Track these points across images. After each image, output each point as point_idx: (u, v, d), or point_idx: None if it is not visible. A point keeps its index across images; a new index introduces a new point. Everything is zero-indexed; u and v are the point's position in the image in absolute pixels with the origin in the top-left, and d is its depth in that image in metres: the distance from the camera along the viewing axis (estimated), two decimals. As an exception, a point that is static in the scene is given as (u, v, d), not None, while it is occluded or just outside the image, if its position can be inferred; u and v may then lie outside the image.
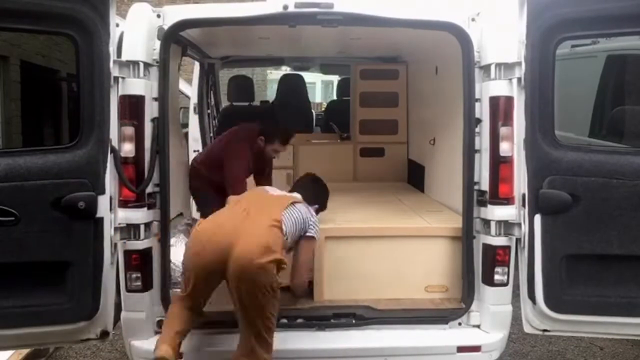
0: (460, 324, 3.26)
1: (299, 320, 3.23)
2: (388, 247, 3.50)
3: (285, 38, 4.47)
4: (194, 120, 6.00)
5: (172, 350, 2.79)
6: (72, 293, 2.79)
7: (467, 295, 3.25)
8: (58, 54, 8.35)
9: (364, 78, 5.65)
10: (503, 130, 3.03)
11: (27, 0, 2.65)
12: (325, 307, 3.37)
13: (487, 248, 3.14)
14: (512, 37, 2.95)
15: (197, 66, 6.04)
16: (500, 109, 3.03)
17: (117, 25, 2.90)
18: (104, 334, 2.94)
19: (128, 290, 3.07)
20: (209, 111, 6.22)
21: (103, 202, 2.80)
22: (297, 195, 3.39)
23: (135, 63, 2.96)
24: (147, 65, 3.01)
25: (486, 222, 3.13)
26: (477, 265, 3.21)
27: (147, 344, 3.10)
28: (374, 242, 3.51)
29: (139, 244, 3.02)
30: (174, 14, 3.11)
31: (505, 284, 3.15)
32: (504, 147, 3.04)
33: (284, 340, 3.14)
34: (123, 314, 3.12)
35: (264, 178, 4.72)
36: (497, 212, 3.08)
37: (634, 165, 2.85)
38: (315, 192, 3.55)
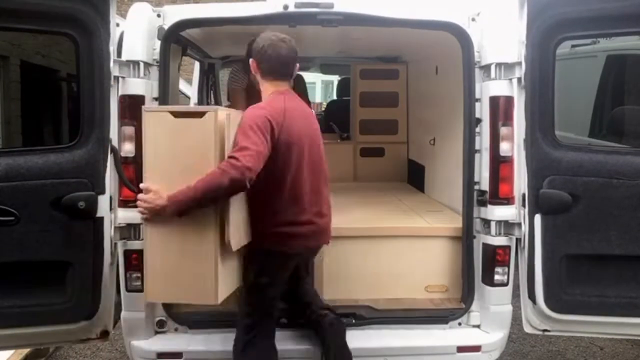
0: (460, 324, 3.27)
1: (302, 320, 3.22)
2: (388, 247, 3.51)
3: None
4: (194, 120, 5.99)
5: None
6: (72, 293, 2.79)
7: (467, 295, 3.25)
8: (58, 54, 8.32)
9: (364, 78, 5.66)
10: (503, 130, 3.04)
11: (27, 0, 2.65)
12: (330, 306, 3.36)
13: (487, 248, 3.14)
14: (512, 37, 2.95)
15: (197, 66, 6.04)
16: (501, 108, 3.04)
17: (118, 25, 2.91)
18: (104, 334, 2.94)
19: (128, 290, 3.06)
20: (209, 111, 6.21)
21: (103, 201, 2.80)
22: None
23: (135, 63, 2.96)
24: (147, 65, 3.01)
25: (486, 222, 3.13)
26: (477, 265, 3.21)
27: (147, 344, 3.11)
28: (374, 242, 3.52)
29: (139, 244, 3.01)
30: (174, 14, 3.11)
31: (505, 284, 3.15)
32: (504, 147, 3.04)
33: (284, 340, 3.14)
34: (123, 314, 3.12)
35: None
36: (497, 212, 3.08)
37: (634, 165, 2.85)
38: None
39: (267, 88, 2.85)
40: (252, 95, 4.57)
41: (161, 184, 2.52)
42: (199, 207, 2.49)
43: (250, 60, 2.86)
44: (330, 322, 3.05)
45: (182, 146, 2.53)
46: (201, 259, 2.58)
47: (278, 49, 2.77)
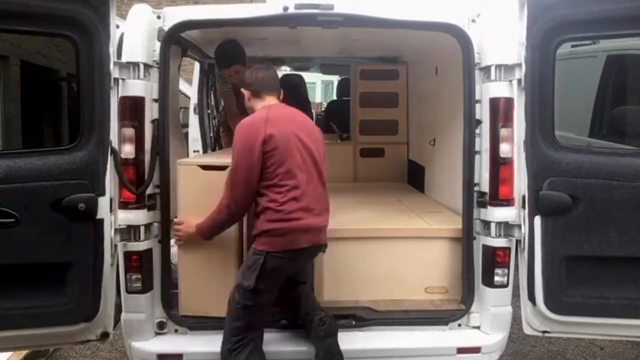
0: (460, 325, 3.27)
1: (299, 322, 3.23)
2: (388, 248, 3.51)
3: (285, 39, 4.47)
4: (194, 121, 5.99)
5: None
6: (72, 294, 2.78)
7: (467, 296, 3.25)
8: (58, 54, 8.33)
9: (364, 78, 5.65)
10: (503, 132, 3.04)
11: (27, 2, 2.64)
12: (325, 308, 3.37)
13: (487, 249, 3.14)
14: (512, 38, 2.95)
15: (197, 66, 6.04)
16: (500, 110, 3.04)
17: (117, 26, 2.89)
18: (104, 335, 2.94)
19: (128, 292, 3.07)
20: (209, 111, 6.22)
21: (103, 203, 2.80)
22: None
23: (135, 64, 2.96)
24: (147, 67, 3.01)
25: (486, 224, 3.13)
26: (477, 266, 3.21)
27: (147, 345, 3.11)
28: (373, 243, 3.52)
29: (139, 245, 3.03)
30: (174, 15, 3.11)
31: (505, 286, 3.15)
32: (504, 149, 3.04)
33: (283, 341, 3.16)
34: (123, 315, 3.13)
35: None
36: (497, 214, 3.08)
37: (634, 167, 2.85)
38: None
39: (256, 105, 3.15)
40: (238, 95, 4.65)
41: (192, 217, 3.10)
42: (218, 232, 3.05)
43: (242, 90, 3.22)
44: (320, 319, 3.03)
45: (208, 190, 3.11)
46: (224, 278, 3.12)
47: (261, 72, 3.17)
